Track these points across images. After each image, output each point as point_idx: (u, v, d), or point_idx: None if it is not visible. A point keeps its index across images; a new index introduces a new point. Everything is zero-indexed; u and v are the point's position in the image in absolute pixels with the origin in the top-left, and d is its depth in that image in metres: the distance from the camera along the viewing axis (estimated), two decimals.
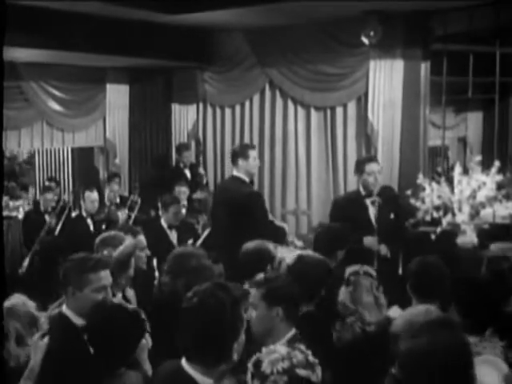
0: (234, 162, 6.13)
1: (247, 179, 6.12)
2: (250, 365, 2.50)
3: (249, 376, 2.47)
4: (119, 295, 4.05)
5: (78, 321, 3.35)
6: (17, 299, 3.51)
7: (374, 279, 4.11)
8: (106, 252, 4.13)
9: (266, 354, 2.49)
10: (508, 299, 3.90)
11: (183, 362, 2.44)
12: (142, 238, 4.93)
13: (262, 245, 4.69)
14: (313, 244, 5.19)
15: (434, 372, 2.25)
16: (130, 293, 4.44)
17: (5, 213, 9.43)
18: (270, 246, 4.73)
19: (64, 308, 3.44)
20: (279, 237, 6.84)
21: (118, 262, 3.99)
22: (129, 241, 4.28)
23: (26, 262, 8.02)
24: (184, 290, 3.66)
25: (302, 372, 2.45)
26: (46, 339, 3.15)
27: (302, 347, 2.57)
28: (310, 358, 2.51)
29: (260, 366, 2.45)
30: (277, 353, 2.50)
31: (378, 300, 3.99)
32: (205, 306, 2.39)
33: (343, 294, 4.02)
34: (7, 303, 3.34)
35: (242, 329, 2.46)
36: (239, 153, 6.13)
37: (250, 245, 4.68)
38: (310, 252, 4.68)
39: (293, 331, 3.32)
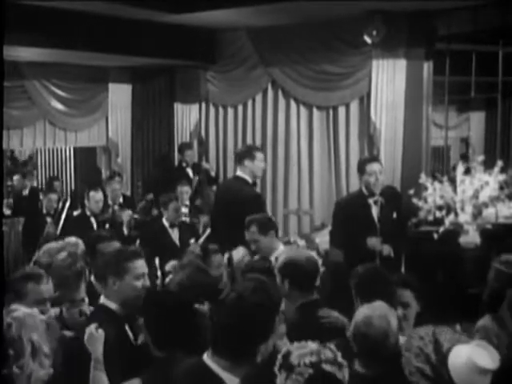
0: (240, 162, 6.09)
1: (250, 180, 6.09)
2: (279, 355, 2.58)
3: (277, 366, 2.55)
4: None
5: (120, 310, 3.50)
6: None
7: None
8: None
9: (297, 348, 2.57)
10: None
11: (205, 357, 2.50)
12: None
13: None
14: None
15: None
16: None
17: (8, 211, 9.46)
18: None
19: (105, 300, 3.54)
20: None
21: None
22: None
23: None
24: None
25: (327, 367, 2.51)
26: (101, 330, 3.20)
27: (333, 347, 2.62)
28: (339, 358, 2.56)
29: (289, 358, 2.54)
30: (307, 347, 2.57)
31: None
32: (242, 303, 2.46)
33: None
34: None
35: (273, 334, 2.51)
36: (246, 153, 6.12)
37: None
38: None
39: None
